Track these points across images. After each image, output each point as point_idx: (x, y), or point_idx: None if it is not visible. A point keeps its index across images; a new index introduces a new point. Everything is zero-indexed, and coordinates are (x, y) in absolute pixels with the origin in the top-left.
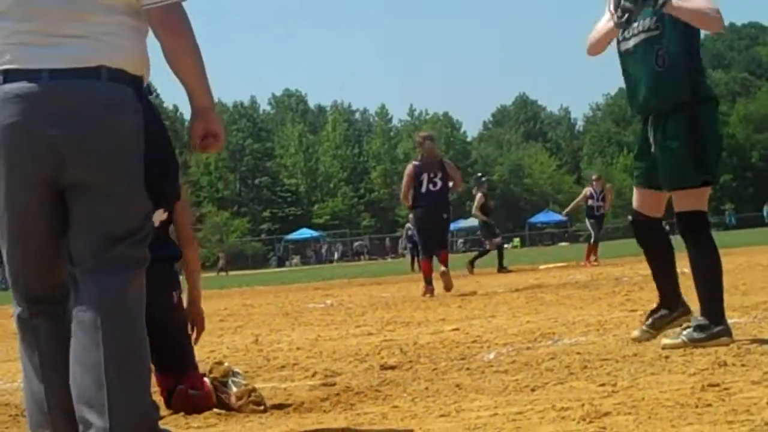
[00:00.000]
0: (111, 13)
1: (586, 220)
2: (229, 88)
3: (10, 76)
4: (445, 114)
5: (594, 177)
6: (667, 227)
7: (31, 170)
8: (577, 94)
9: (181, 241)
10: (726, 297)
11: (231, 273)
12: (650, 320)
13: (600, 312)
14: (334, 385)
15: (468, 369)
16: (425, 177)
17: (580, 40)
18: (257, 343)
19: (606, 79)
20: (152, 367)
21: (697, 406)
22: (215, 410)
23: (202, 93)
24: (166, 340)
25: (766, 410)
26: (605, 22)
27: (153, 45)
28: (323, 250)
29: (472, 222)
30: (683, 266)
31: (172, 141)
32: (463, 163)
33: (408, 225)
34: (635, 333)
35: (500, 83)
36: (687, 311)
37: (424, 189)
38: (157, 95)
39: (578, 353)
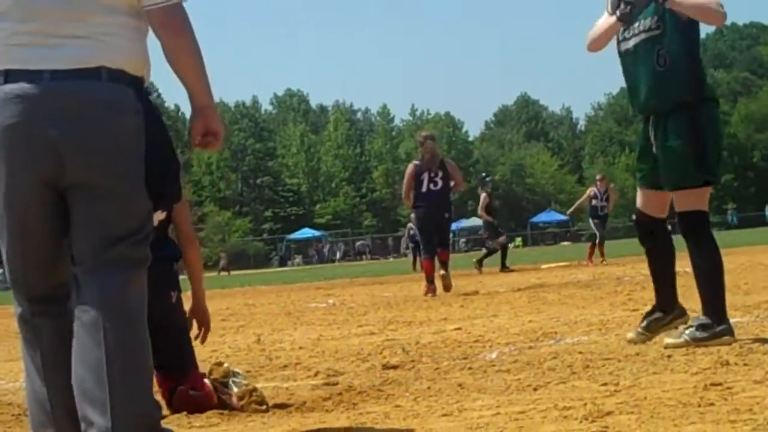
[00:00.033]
0: (112, 14)
1: (590, 220)
2: (231, 87)
3: (10, 76)
4: (447, 114)
5: (598, 177)
6: (669, 227)
7: (31, 171)
8: (579, 93)
9: (181, 240)
10: (728, 296)
11: (233, 273)
12: (645, 322)
13: (602, 311)
14: (336, 384)
15: (470, 368)
16: (426, 176)
17: (582, 40)
18: (259, 343)
19: (608, 78)
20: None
21: (699, 406)
22: (217, 410)
23: (203, 92)
24: (165, 341)
25: None
26: (605, 19)
27: (154, 45)
28: (325, 250)
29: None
30: (685, 266)
31: (174, 140)
32: (465, 163)
33: (410, 225)
34: (630, 335)
35: (502, 83)
36: (682, 314)
37: (424, 188)
38: (159, 95)
39: (580, 352)
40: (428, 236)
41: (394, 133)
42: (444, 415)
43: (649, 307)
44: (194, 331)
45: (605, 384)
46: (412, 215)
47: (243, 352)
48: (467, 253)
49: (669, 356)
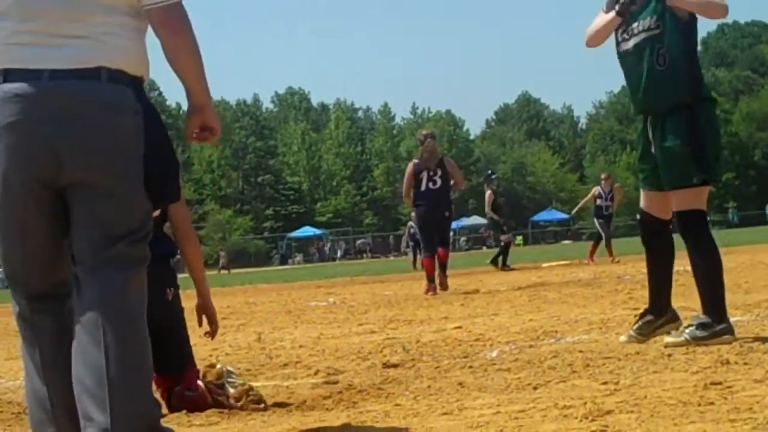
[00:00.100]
0: (112, 14)
1: (595, 219)
2: (232, 86)
3: (10, 75)
4: (448, 112)
5: (603, 176)
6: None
7: (30, 170)
8: (580, 92)
9: (178, 238)
10: (728, 295)
11: (234, 271)
12: (637, 325)
13: (602, 310)
14: (336, 383)
15: (470, 367)
16: (425, 175)
17: (583, 38)
18: (260, 341)
19: (609, 77)
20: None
21: (699, 405)
22: (217, 409)
23: (201, 90)
24: (161, 339)
25: None
26: (603, 15)
27: (154, 43)
28: (326, 248)
29: (475, 220)
30: (685, 264)
31: (174, 139)
32: (466, 162)
33: (410, 223)
34: (622, 338)
35: (503, 81)
36: (674, 318)
37: (423, 187)
38: (160, 93)
39: (581, 351)
40: (428, 235)
41: (395, 132)
42: (444, 413)
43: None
44: (203, 327)
45: (605, 383)
46: (413, 214)
47: (243, 351)
48: (468, 251)
49: (669, 355)
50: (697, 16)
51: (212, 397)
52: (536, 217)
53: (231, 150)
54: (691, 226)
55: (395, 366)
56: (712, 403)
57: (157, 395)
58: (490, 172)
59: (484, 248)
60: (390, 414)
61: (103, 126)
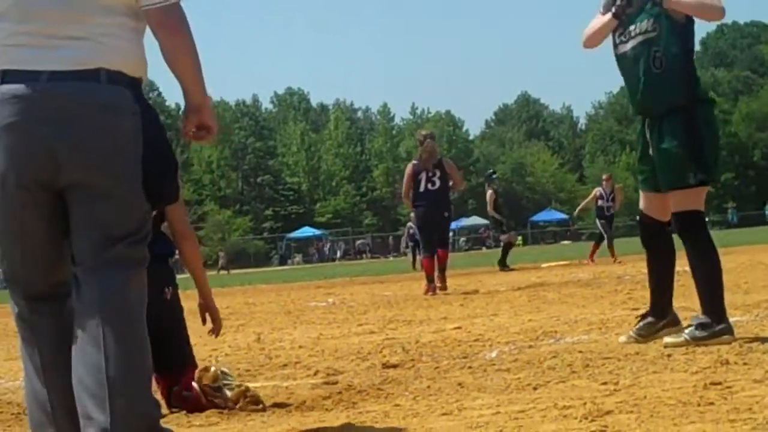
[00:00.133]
0: (110, 15)
1: (596, 220)
2: (231, 86)
3: (8, 77)
4: (448, 112)
5: (604, 177)
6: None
7: (28, 171)
8: (580, 92)
9: (176, 238)
10: (728, 295)
11: (233, 271)
12: (637, 327)
13: (602, 310)
14: (336, 383)
15: (470, 367)
16: (423, 176)
17: (580, 39)
18: (259, 342)
19: (608, 77)
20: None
21: (699, 405)
22: (217, 409)
23: (199, 90)
24: (159, 338)
25: None
26: (599, 17)
27: (153, 44)
28: (325, 249)
29: (475, 220)
30: (684, 264)
31: (174, 140)
32: (465, 162)
33: (410, 224)
34: (622, 338)
35: (502, 82)
36: (675, 322)
37: (422, 188)
38: (159, 93)
39: (580, 352)
40: (428, 235)
41: (394, 132)
42: (444, 414)
43: (648, 307)
44: (206, 326)
45: (605, 383)
46: (412, 214)
47: (243, 351)
48: (467, 251)
49: (669, 355)
50: (694, 18)
51: (209, 401)
52: (535, 218)
53: (230, 150)
54: (689, 227)
55: (395, 366)
56: (711, 404)
57: (158, 395)
58: (491, 171)
59: (484, 248)
60: (389, 414)
61: (101, 127)
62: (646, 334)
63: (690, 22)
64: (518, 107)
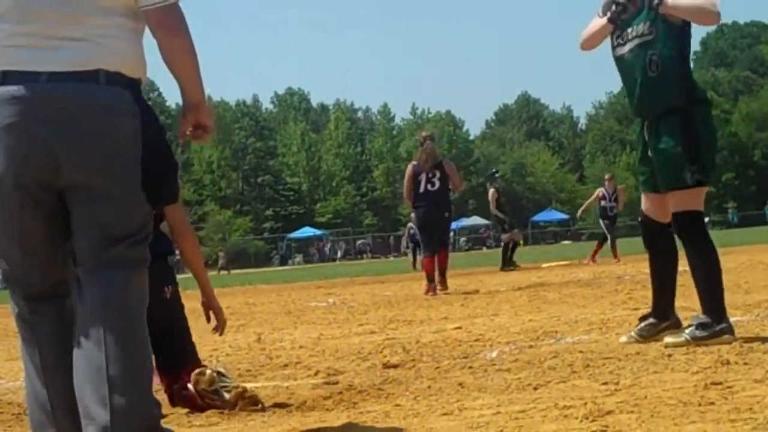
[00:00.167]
0: (109, 16)
1: (600, 220)
2: (231, 86)
3: (7, 78)
4: (448, 112)
5: (606, 177)
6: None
7: (27, 172)
8: (580, 92)
9: (175, 237)
10: (728, 295)
11: (233, 272)
12: (639, 328)
13: (602, 310)
14: (336, 383)
15: (470, 367)
16: (423, 177)
17: (578, 41)
18: (260, 342)
19: (609, 77)
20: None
21: (699, 405)
22: (217, 409)
23: (196, 90)
24: (159, 337)
25: None
26: (597, 20)
27: (152, 44)
28: (326, 249)
29: (475, 220)
30: (684, 264)
31: (173, 140)
32: (466, 162)
33: (410, 224)
34: (623, 339)
35: (502, 82)
36: (676, 325)
37: (422, 189)
38: (159, 93)
39: (581, 352)
40: (428, 235)
41: (394, 132)
42: (444, 414)
43: (649, 307)
44: (208, 325)
45: (606, 383)
46: (413, 215)
47: (243, 351)
48: (468, 251)
49: (669, 355)
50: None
51: (207, 403)
52: (536, 218)
53: (231, 151)
54: (688, 227)
55: (395, 366)
56: (712, 403)
57: (160, 394)
58: (493, 170)
59: (484, 248)
60: (390, 414)
61: (100, 128)
62: (647, 335)
63: (687, 25)
64: (518, 107)
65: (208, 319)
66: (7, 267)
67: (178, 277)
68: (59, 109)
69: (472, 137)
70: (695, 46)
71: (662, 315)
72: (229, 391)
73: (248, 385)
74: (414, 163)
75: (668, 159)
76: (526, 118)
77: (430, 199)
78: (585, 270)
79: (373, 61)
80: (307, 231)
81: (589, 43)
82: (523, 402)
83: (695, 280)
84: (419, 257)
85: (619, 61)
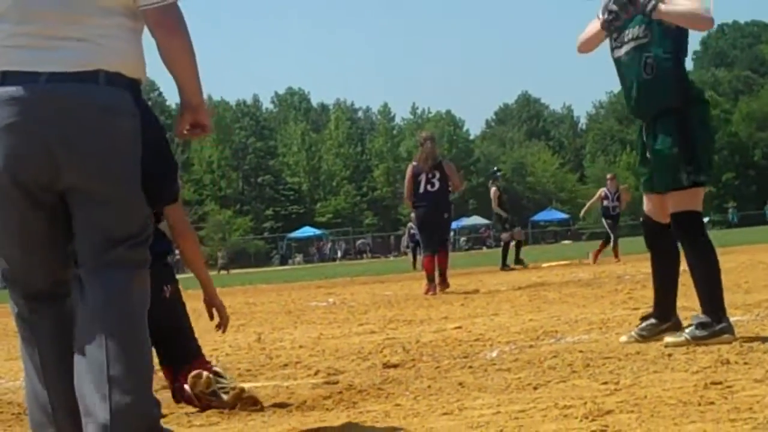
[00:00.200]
0: (109, 16)
1: (603, 220)
2: (232, 86)
3: (7, 78)
4: (448, 112)
5: (608, 177)
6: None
7: (27, 172)
8: (580, 92)
9: (174, 236)
10: (728, 295)
11: (233, 271)
12: (639, 328)
13: (602, 310)
14: (336, 383)
15: (471, 367)
16: (423, 178)
17: (576, 44)
18: (260, 342)
19: (609, 77)
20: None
21: (699, 404)
22: (217, 409)
23: (195, 90)
24: (159, 336)
25: None
26: (594, 23)
27: (152, 44)
28: (326, 249)
29: (475, 220)
30: (684, 264)
31: (173, 140)
32: (466, 162)
33: (410, 224)
34: (623, 338)
35: (503, 81)
36: (677, 326)
37: (422, 189)
38: (160, 93)
39: (581, 351)
40: (428, 235)
41: (395, 132)
42: (444, 413)
43: (649, 307)
44: (212, 323)
45: (606, 383)
46: (413, 215)
47: (243, 351)
48: (468, 251)
49: (669, 355)
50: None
51: (206, 405)
52: (536, 217)
53: (231, 150)
54: (687, 228)
55: (395, 366)
56: (712, 403)
57: (163, 393)
58: (495, 169)
59: (484, 248)
60: (390, 414)
61: (100, 129)
62: (648, 335)
63: (681, 28)
64: (519, 107)
65: (211, 317)
66: (6, 266)
67: (178, 276)
68: (59, 110)
69: (472, 137)
70: (695, 45)
71: (664, 316)
72: (227, 392)
73: (248, 385)
74: (414, 163)
75: (665, 160)
76: (526, 117)
77: (430, 199)
78: (585, 270)
79: (373, 61)
80: (307, 231)
81: (586, 47)
82: (523, 402)
83: (694, 280)
84: (419, 257)
85: (616, 62)
